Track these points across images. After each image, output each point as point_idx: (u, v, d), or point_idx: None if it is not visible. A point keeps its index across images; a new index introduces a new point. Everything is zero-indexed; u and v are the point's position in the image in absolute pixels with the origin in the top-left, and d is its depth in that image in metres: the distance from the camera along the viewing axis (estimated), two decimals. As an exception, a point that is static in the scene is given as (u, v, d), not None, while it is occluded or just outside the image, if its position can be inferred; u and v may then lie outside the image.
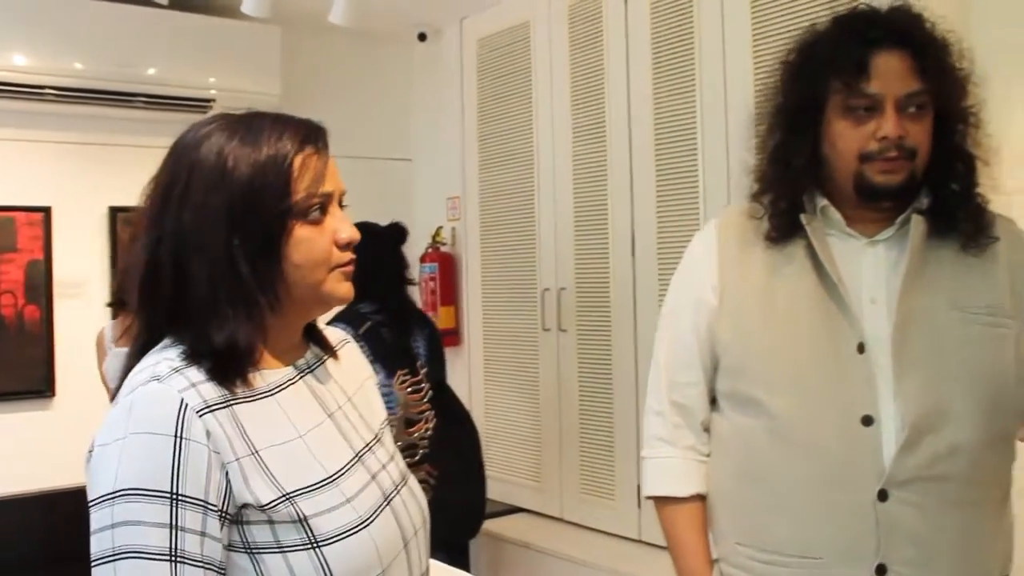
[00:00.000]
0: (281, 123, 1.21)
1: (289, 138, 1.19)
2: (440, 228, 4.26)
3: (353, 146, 4.30)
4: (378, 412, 1.37)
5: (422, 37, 4.26)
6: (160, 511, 1.03)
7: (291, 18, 3.80)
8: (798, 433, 1.52)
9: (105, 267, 3.80)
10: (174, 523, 1.04)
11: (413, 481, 1.34)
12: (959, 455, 1.46)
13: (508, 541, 3.47)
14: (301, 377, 1.24)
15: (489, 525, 3.58)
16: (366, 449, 1.26)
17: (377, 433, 1.32)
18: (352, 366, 1.38)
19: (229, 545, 1.10)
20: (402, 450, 1.86)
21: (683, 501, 1.66)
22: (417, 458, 2.70)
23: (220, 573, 1.07)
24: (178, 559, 1.03)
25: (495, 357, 3.83)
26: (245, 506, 1.09)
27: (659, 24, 3.06)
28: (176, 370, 1.10)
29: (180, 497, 1.04)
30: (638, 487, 2.96)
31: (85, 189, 3.73)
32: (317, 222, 1.19)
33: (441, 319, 4.11)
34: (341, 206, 1.23)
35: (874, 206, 1.54)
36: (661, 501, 1.69)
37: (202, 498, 1.05)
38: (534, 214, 3.59)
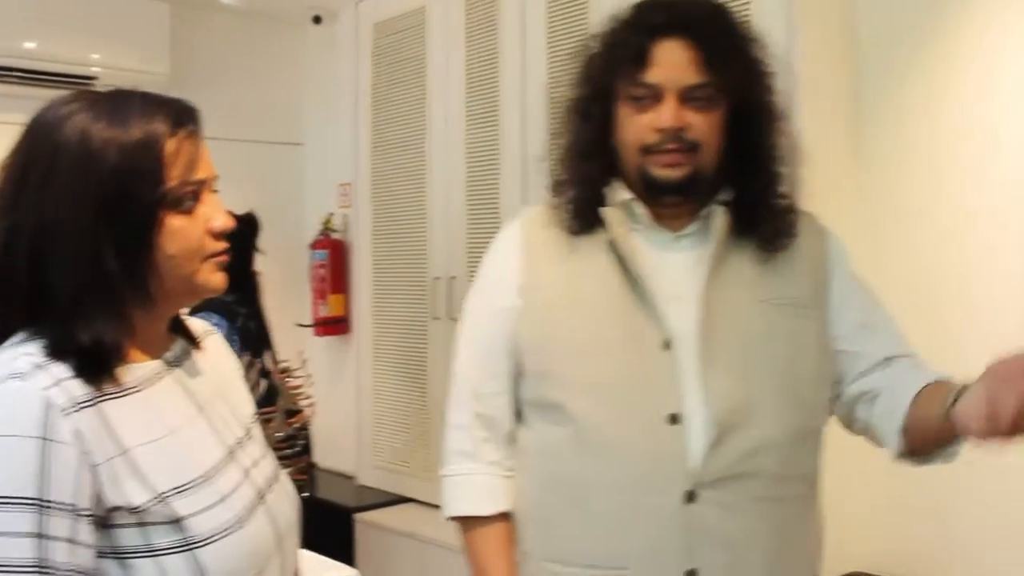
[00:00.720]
0: (151, 103, 1.13)
1: (161, 120, 1.11)
2: (331, 215, 4.21)
3: (243, 130, 4.22)
4: (246, 405, 1.32)
5: (317, 20, 4.17)
6: (25, 520, 0.96)
7: (180, -4, 3.70)
8: (602, 436, 1.44)
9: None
10: (40, 532, 0.97)
11: (285, 477, 1.29)
12: (767, 452, 1.42)
13: (395, 531, 3.44)
14: (169, 371, 1.18)
15: (376, 516, 3.56)
16: (237, 445, 1.21)
17: (248, 428, 1.27)
18: (218, 358, 1.32)
19: (105, 548, 1.03)
20: (281, 441, 1.82)
21: (489, 521, 1.55)
22: (297, 449, 2.66)
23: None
24: (45, 571, 0.97)
25: (384, 346, 3.79)
26: (115, 509, 1.03)
27: (556, 9, 3.06)
28: (39, 366, 1.02)
29: (46, 504, 0.97)
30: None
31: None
32: (190, 211, 1.12)
33: (331, 307, 4.07)
34: (210, 188, 1.17)
35: (663, 200, 1.48)
36: (465, 522, 1.57)
37: (71, 503, 0.99)
38: (425, 201, 3.57)
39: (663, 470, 1.40)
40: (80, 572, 1.00)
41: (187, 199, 1.12)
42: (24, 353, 1.03)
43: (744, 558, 1.40)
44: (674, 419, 1.40)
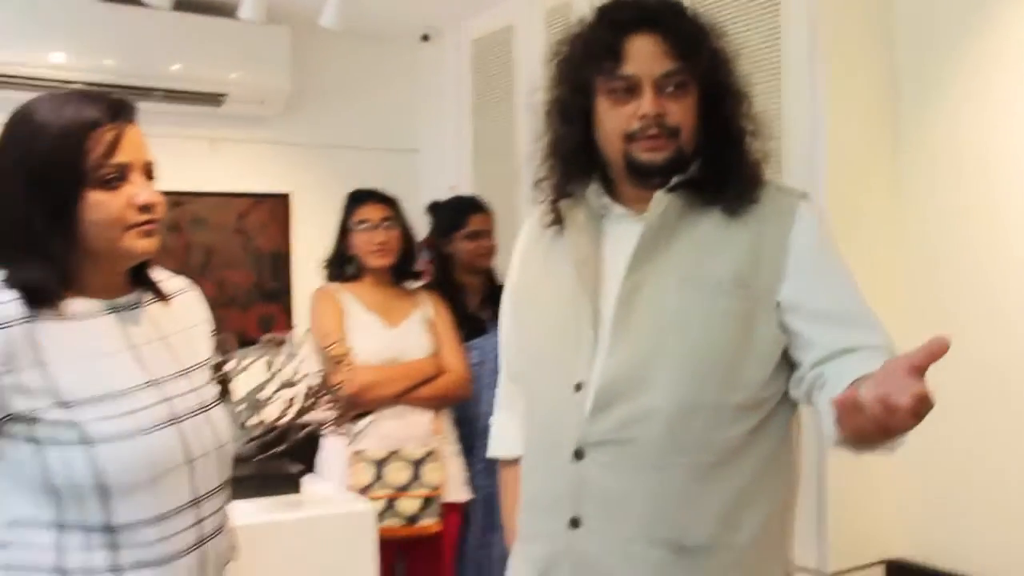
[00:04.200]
0: (91, 99, 1.42)
1: (93, 111, 1.39)
2: (439, 215, 4.57)
3: (362, 138, 4.65)
4: (198, 353, 1.60)
5: (425, 38, 4.59)
6: None
7: (300, 19, 4.12)
8: (534, 403, 1.71)
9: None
10: None
11: (217, 413, 1.56)
12: (652, 420, 1.52)
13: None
14: (112, 312, 1.48)
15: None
16: (166, 379, 1.49)
17: (186, 369, 1.54)
18: (184, 312, 1.62)
19: (13, 434, 1.34)
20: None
21: (510, 463, 1.84)
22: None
23: None
24: None
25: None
26: (30, 407, 1.34)
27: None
28: (1, 285, 1.36)
29: None
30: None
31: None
32: (114, 188, 1.40)
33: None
34: (149, 175, 1.45)
35: (647, 183, 1.60)
36: (500, 463, 1.88)
37: None
38: (519, 203, 3.87)
39: (563, 430, 1.59)
40: None
41: (110, 178, 1.40)
42: None
43: (619, 513, 1.54)
44: (578, 387, 1.58)
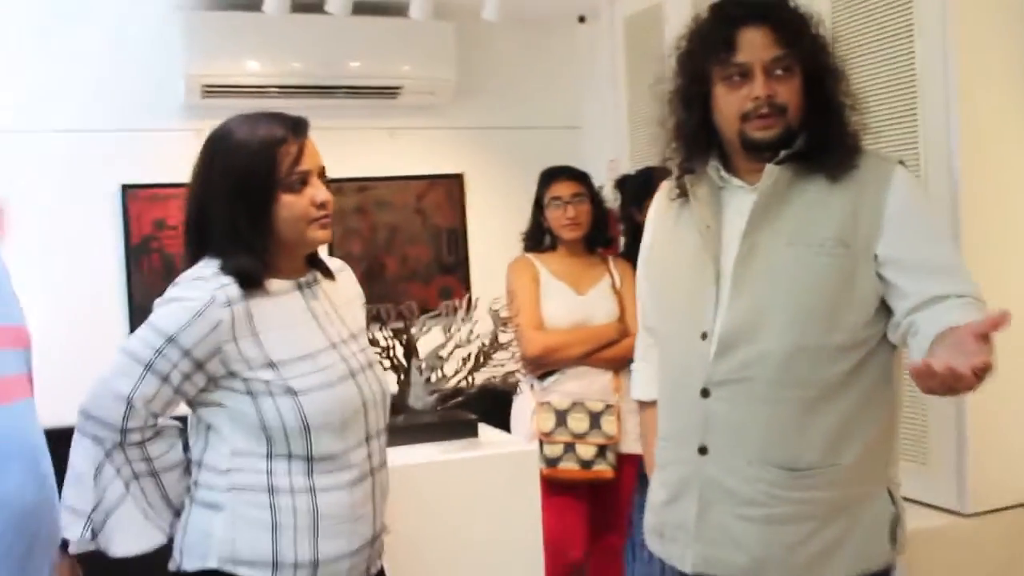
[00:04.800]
0: (275, 119, 1.75)
1: (278, 130, 1.72)
2: (602, 187, 4.83)
3: (527, 119, 4.98)
4: (358, 320, 1.95)
5: (582, 19, 4.85)
6: (159, 341, 1.65)
7: (464, 14, 4.44)
8: (666, 351, 1.97)
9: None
10: (159, 351, 1.65)
11: (379, 370, 1.91)
12: (766, 362, 1.75)
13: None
14: (299, 289, 1.82)
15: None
16: (341, 341, 1.84)
17: (354, 333, 1.89)
18: (344, 287, 1.96)
19: (235, 389, 1.68)
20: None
21: (649, 405, 2.12)
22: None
23: (176, 394, 1.68)
24: (148, 370, 1.66)
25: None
26: (248, 366, 1.68)
27: None
28: (215, 275, 1.71)
29: (173, 340, 1.66)
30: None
31: (303, 166, 4.59)
32: (298, 191, 1.73)
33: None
34: (322, 177, 1.78)
35: (760, 157, 1.81)
36: (640, 403, 2.18)
37: (188, 348, 1.66)
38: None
39: (692, 373, 1.84)
40: (169, 384, 1.65)
41: (295, 183, 1.73)
42: (209, 267, 1.72)
43: (739, 441, 1.79)
44: (704, 336, 1.82)
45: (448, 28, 4.59)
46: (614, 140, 4.62)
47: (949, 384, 1.40)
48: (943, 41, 2.63)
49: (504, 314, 2.75)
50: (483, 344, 2.67)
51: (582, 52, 5.02)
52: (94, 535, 1.70)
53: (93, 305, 4.33)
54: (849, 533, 1.77)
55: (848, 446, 1.77)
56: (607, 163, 4.81)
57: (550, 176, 3.42)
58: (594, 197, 3.42)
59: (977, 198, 2.55)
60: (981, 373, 1.38)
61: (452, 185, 4.89)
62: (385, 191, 4.79)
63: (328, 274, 1.92)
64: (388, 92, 4.61)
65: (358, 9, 4.23)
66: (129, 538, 1.71)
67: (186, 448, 1.81)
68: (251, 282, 1.72)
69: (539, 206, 3.41)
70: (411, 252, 4.84)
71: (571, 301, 3.29)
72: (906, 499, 2.70)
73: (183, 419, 1.83)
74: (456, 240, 4.91)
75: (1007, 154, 2.67)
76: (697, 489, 1.84)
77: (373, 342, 2.56)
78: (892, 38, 2.73)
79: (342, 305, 1.91)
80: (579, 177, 3.41)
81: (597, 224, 3.41)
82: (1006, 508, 2.68)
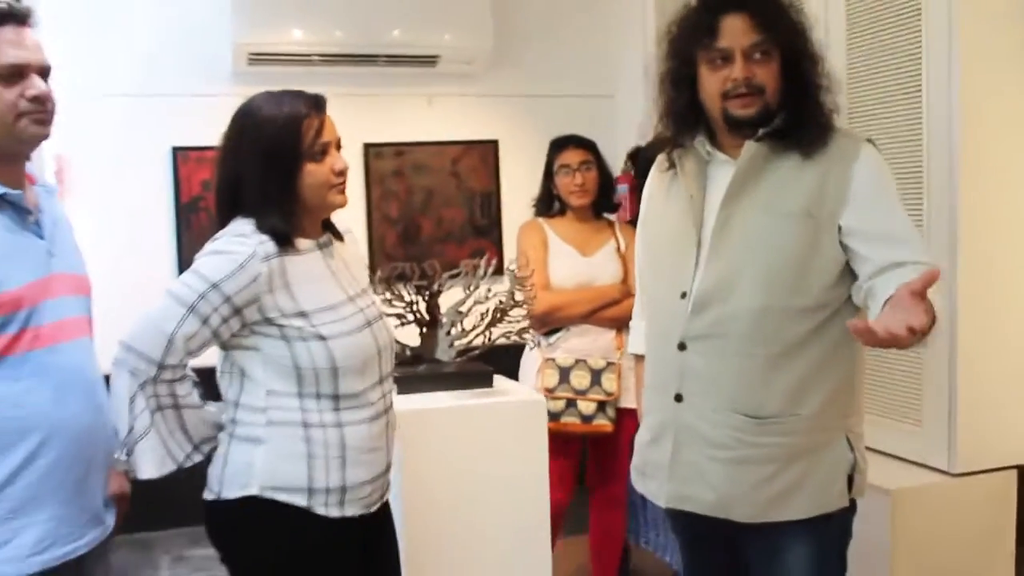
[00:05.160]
0: (297, 96, 1.94)
1: (301, 106, 1.92)
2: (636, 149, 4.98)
3: (561, 87, 5.16)
4: (365, 277, 2.16)
5: (615, -12, 4.99)
6: (202, 286, 1.84)
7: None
8: (652, 308, 2.17)
9: (362, 194, 4.90)
10: (203, 295, 1.84)
11: (387, 320, 2.13)
12: (737, 320, 1.94)
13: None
14: (319, 248, 2.02)
15: None
16: (355, 295, 2.04)
17: (364, 288, 2.10)
18: (352, 247, 2.17)
19: (270, 335, 1.88)
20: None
21: (641, 358, 2.30)
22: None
23: (213, 336, 1.87)
24: (191, 311, 1.85)
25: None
26: (281, 314, 1.89)
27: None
28: (254, 232, 1.90)
29: (216, 286, 1.84)
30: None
31: (343, 131, 4.78)
32: (320, 160, 1.93)
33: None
34: (338, 148, 1.98)
35: (742, 133, 1.97)
36: (635, 358, 2.38)
37: (229, 295, 1.84)
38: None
39: (671, 328, 2.02)
40: (208, 325, 1.84)
41: (317, 153, 1.92)
42: (247, 225, 1.91)
43: (711, 391, 1.97)
44: (683, 295, 2.00)
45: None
46: (646, 108, 4.76)
47: (889, 343, 1.55)
48: (948, 46, 2.71)
49: (520, 274, 2.94)
50: (500, 301, 2.87)
51: (615, 22, 5.16)
52: (128, 457, 1.91)
53: (146, 259, 4.62)
54: (808, 476, 1.95)
55: (808, 398, 1.95)
56: (636, 128, 4.97)
57: (559, 145, 3.59)
58: (601, 165, 3.59)
59: (978, 195, 2.68)
60: (916, 332, 1.54)
61: (487, 150, 5.09)
62: (422, 155, 5.01)
63: (338, 236, 2.12)
64: (427, 60, 4.81)
65: (398, -20, 4.44)
66: (152, 464, 1.91)
67: (203, 396, 2.02)
68: (284, 240, 1.92)
69: (548, 173, 3.59)
70: (446, 214, 5.06)
71: (577, 263, 3.47)
72: (900, 459, 2.95)
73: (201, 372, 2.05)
74: (490, 204, 5.13)
75: (1009, 153, 2.76)
76: (673, 432, 2.03)
77: (398, 297, 2.79)
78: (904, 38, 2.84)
79: (352, 263, 2.12)
80: (587, 145, 3.57)
81: (603, 190, 3.60)
82: (993, 470, 2.82)
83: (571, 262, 3.47)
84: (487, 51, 4.84)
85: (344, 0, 4.54)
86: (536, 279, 3.34)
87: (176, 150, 4.69)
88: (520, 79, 5.15)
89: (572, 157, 3.52)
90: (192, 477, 2.00)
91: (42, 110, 1.82)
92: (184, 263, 4.63)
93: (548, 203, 3.62)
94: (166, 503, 2.06)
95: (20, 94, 1.78)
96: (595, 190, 3.55)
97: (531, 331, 3.12)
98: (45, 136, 1.85)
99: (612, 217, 3.71)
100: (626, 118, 5.12)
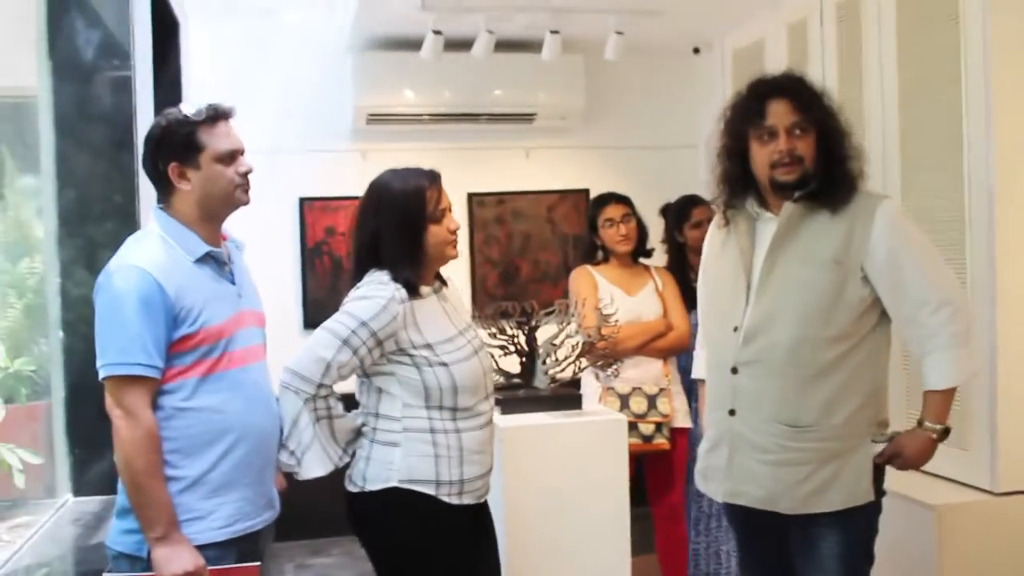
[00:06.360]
0: (421, 173, 2.43)
1: (424, 180, 2.41)
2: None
3: (647, 139, 5.60)
4: (467, 314, 2.61)
5: (696, 50, 5.43)
6: (354, 324, 2.29)
7: (591, 48, 5.05)
8: (710, 340, 2.60)
9: (466, 239, 5.37)
10: (354, 331, 2.30)
11: (487, 350, 2.58)
12: (777, 348, 2.36)
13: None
14: (435, 293, 2.49)
15: None
16: (463, 329, 2.49)
17: (469, 324, 2.55)
18: (455, 291, 2.62)
19: (404, 363, 2.33)
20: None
21: (703, 382, 2.71)
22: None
23: (359, 365, 2.32)
24: (346, 344, 2.30)
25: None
26: (413, 346, 2.34)
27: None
28: (392, 281, 2.36)
29: (365, 324, 2.30)
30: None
31: (449, 182, 5.26)
32: (439, 221, 2.42)
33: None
34: (451, 212, 2.45)
35: (785, 195, 2.39)
36: (698, 382, 2.79)
37: (375, 331, 2.30)
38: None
39: (726, 356, 2.46)
40: (358, 356, 2.29)
41: (438, 217, 2.41)
42: (384, 275, 2.37)
43: (757, 406, 2.40)
44: (735, 329, 2.44)
45: (578, 61, 5.25)
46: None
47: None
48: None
49: (605, 312, 3.39)
50: (587, 335, 3.32)
51: (696, 80, 5.58)
52: (296, 462, 2.38)
53: (276, 296, 5.03)
54: (839, 475, 2.36)
55: (838, 410, 2.36)
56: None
57: (601, 202, 4.04)
58: (637, 216, 4.02)
59: (1014, 234, 3.03)
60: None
61: (579, 198, 5.54)
62: (520, 203, 5.54)
63: (444, 283, 2.58)
64: (525, 117, 5.34)
65: (500, 47, 4.84)
66: (315, 466, 2.38)
67: (346, 409, 2.46)
68: (413, 288, 2.40)
69: (592, 226, 4.04)
70: (542, 257, 5.57)
71: (625, 302, 3.88)
72: (947, 480, 3.26)
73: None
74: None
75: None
76: (728, 441, 2.46)
77: (502, 331, 3.27)
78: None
79: (457, 304, 2.59)
80: (625, 200, 4.01)
81: (640, 239, 4.04)
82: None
83: (619, 302, 3.85)
84: (579, 108, 5.34)
85: (451, 65, 4.96)
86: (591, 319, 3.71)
87: (302, 200, 5.23)
88: (609, 133, 5.61)
89: (615, 212, 3.97)
90: (309, 495, 2.50)
91: (248, 183, 2.31)
92: (308, 300, 5.21)
93: (592, 252, 4.08)
94: (289, 518, 2.54)
95: (236, 171, 2.28)
96: (635, 238, 3.99)
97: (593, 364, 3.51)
98: (248, 202, 2.34)
99: (647, 262, 4.12)
100: (707, 168, 5.47)
